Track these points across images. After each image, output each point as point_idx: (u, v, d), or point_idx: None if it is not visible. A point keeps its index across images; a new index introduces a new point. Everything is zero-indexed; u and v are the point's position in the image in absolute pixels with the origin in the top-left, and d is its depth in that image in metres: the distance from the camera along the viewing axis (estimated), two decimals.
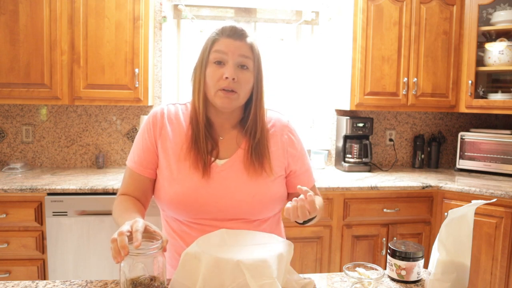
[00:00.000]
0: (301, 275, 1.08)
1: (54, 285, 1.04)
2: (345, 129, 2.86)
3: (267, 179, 1.13)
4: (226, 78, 1.06)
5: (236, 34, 1.09)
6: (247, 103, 1.16)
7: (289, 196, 1.25)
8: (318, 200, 1.20)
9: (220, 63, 1.08)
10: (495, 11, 2.87)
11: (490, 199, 1.53)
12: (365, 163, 2.88)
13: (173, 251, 1.17)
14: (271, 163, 1.14)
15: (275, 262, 0.92)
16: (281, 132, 1.20)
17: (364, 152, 2.86)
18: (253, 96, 1.13)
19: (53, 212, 2.19)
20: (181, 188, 1.10)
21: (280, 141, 1.19)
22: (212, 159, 1.12)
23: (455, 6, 2.75)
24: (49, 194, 2.20)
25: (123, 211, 1.08)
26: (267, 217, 1.18)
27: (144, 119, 2.63)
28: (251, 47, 1.10)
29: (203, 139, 1.12)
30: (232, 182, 1.11)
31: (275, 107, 1.27)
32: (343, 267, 1.07)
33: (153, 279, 0.89)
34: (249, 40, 1.10)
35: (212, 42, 1.09)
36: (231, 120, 1.18)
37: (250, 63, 1.10)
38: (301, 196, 1.00)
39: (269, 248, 0.97)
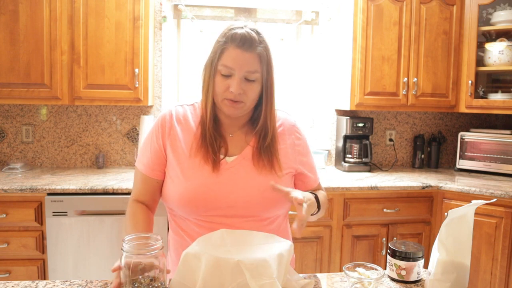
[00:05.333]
0: (301, 275, 1.08)
1: (54, 285, 1.04)
2: (345, 129, 2.86)
3: (276, 175, 1.15)
4: (232, 92, 1.07)
5: (246, 44, 1.07)
6: (256, 103, 1.17)
7: None
8: (322, 195, 1.23)
9: (226, 76, 1.09)
10: (495, 11, 2.87)
11: (490, 199, 1.53)
12: (365, 163, 2.88)
13: (180, 250, 1.16)
14: (279, 160, 1.16)
15: (275, 262, 0.92)
16: (289, 131, 1.23)
17: (364, 152, 2.86)
18: (262, 101, 1.14)
19: (53, 212, 2.19)
20: (191, 185, 1.11)
21: (288, 139, 1.22)
22: (221, 156, 1.14)
23: (455, 6, 2.75)
24: (49, 194, 2.20)
25: (133, 227, 1.15)
26: (276, 217, 1.19)
27: (144, 119, 2.64)
28: (260, 57, 1.09)
29: (211, 137, 1.14)
30: (241, 178, 1.13)
31: (283, 107, 1.29)
32: (343, 267, 1.07)
33: (153, 279, 0.89)
34: (258, 49, 1.08)
35: (221, 51, 1.09)
36: (241, 120, 1.19)
37: (257, 75, 1.09)
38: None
39: (269, 248, 0.97)
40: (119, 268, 0.91)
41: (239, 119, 1.18)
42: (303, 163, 1.24)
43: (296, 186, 1.25)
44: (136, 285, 0.88)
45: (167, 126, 1.17)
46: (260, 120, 1.15)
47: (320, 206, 1.16)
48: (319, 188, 1.32)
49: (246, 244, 0.99)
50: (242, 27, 1.09)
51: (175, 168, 1.14)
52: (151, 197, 1.22)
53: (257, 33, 1.10)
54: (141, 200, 1.22)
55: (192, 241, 1.13)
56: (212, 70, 1.11)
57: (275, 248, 0.96)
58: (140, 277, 0.88)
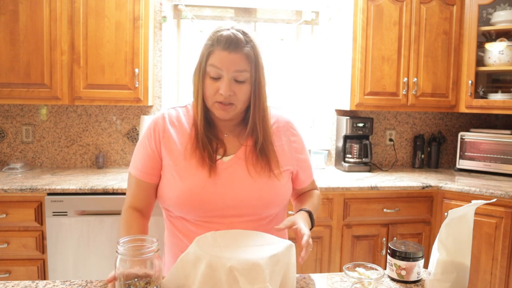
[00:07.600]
0: (300, 275, 1.07)
1: (54, 285, 1.04)
2: (345, 129, 2.86)
3: (273, 173, 1.14)
4: (222, 94, 1.07)
5: (232, 45, 1.05)
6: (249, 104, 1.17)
7: (292, 192, 1.27)
8: (314, 204, 1.25)
9: (215, 78, 1.08)
10: (495, 11, 2.87)
11: (490, 199, 1.53)
12: (365, 163, 2.88)
13: (177, 251, 1.16)
14: (277, 158, 1.16)
15: (268, 265, 0.91)
16: (284, 128, 1.22)
17: (364, 152, 2.86)
18: (251, 102, 1.13)
19: (53, 212, 2.19)
20: (188, 186, 1.10)
21: (284, 136, 1.21)
22: (218, 156, 1.13)
23: (455, 6, 2.75)
24: (49, 194, 2.20)
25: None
26: (275, 215, 1.18)
27: (144, 119, 2.64)
28: (247, 57, 1.07)
29: (204, 140, 1.13)
30: (238, 177, 1.12)
31: (277, 104, 1.28)
32: (343, 267, 1.07)
33: (148, 282, 0.88)
34: (245, 49, 1.07)
35: (208, 54, 1.08)
36: (234, 120, 1.19)
37: (246, 75, 1.08)
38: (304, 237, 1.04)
39: (263, 250, 0.96)
40: (114, 279, 0.91)
41: (232, 120, 1.18)
42: (299, 160, 1.23)
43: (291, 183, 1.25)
44: None
45: (160, 129, 1.16)
46: (250, 121, 1.14)
47: (313, 222, 1.18)
48: (313, 185, 1.33)
49: (239, 246, 0.97)
50: (229, 29, 1.08)
51: (172, 170, 1.13)
52: (147, 202, 1.20)
53: (244, 33, 1.08)
54: (136, 206, 1.20)
55: (189, 241, 1.12)
56: (200, 73, 1.10)
57: (269, 250, 0.95)
58: (136, 280, 0.87)
